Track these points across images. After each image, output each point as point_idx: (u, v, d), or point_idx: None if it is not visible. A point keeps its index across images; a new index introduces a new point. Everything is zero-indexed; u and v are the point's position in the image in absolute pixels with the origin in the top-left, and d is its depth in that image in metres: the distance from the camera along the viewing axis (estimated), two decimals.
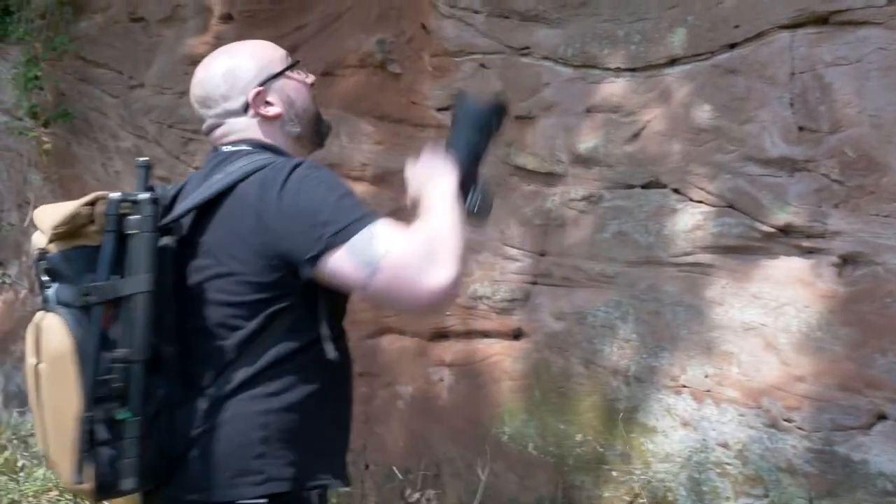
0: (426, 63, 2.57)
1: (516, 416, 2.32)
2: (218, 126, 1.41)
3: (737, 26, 2.01)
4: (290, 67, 1.41)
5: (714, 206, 2.02)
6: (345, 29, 2.76)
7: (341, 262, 1.13)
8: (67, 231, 1.18)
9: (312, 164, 1.24)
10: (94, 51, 3.33)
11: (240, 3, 2.94)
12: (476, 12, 2.46)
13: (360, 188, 2.65)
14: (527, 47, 2.37)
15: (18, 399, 3.50)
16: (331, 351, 1.22)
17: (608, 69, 2.22)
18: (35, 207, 3.30)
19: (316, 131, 1.44)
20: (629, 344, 2.12)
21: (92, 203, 1.18)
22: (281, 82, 1.40)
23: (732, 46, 2.03)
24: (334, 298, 1.24)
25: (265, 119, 1.38)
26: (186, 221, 1.26)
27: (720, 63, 2.04)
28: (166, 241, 1.23)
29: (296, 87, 1.41)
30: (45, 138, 3.42)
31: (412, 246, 1.12)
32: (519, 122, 2.36)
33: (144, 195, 1.18)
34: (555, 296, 2.30)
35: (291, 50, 2.77)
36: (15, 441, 3.39)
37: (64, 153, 3.38)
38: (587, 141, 2.23)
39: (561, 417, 2.23)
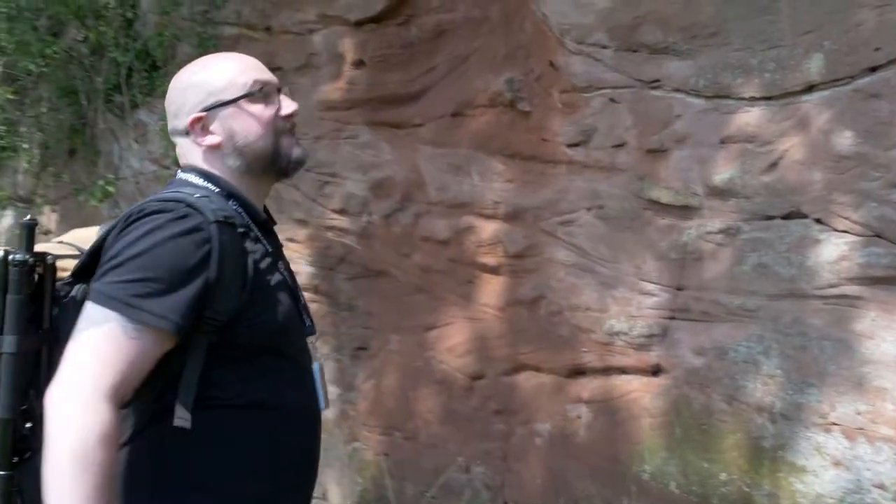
0: (555, 100, 2.80)
1: (656, 454, 2.47)
2: (176, 144, 1.50)
3: (878, 49, 2.11)
4: (247, 95, 1.42)
5: (860, 236, 2.12)
6: (473, 69, 3.03)
7: (82, 318, 1.24)
8: None
9: (152, 221, 1.28)
10: None
11: (370, 49, 3.29)
12: (604, 47, 2.67)
13: (492, 226, 2.90)
14: (657, 80, 2.55)
15: None
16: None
17: (742, 98, 2.37)
18: None
19: (269, 166, 1.45)
20: (773, 380, 2.23)
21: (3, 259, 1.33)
22: (229, 111, 1.42)
23: (874, 70, 2.13)
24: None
25: (201, 147, 1.44)
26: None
27: (861, 87, 2.14)
28: (76, 292, 1.34)
29: (246, 119, 1.42)
30: None
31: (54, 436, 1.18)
32: (651, 155, 2.54)
33: (20, 256, 1.31)
34: (694, 331, 2.44)
35: (420, 93, 3.11)
36: None
37: None
38: (723, 172, 2.37)
39: (704, 455, 2.36)
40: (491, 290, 2.93)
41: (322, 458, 3.27)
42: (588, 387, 2.68)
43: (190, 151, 1.44)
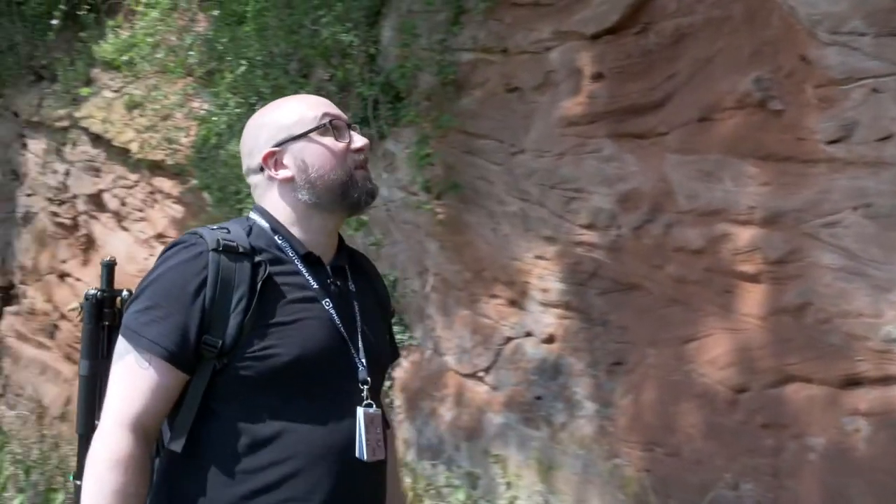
0: (809, 95, 2.91)
1: None
2: (250, 184, 1.67)
3: None
4: (317, 128, 1.57)
5: None
6: (717, 71, 3.22)
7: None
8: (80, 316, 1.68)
9: (167, 253, 1.52)
10: (475, 124, 4.23)
11: (609, 60, 3.57)
12: (862, 35, 2.75)
13: (748, 233, 3.05)
14: None
15: (431, 451, 4.47)
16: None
17: None
18: (434, 275, 4.27)
19: (340, 199, 1.58)
20: None
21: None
22: (301, 144, 1.57)
23: None
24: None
25: (276, 181, 1.59)
26: None
27: None
28: None
29: (318, 150, 1.57)
30: (438, 210, 4.40)
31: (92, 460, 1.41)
32: None
33: (90, 291, 1.63)
34: None
35: (663, 100, 3.34)
36: (431, 492, 4.34)
37: (456, 222, 4.32)
38: None
39: None
40: (751, 299, 3.08)
41: (582, 475, 3.59)
42: (866, 398, 2.75)
43: (262, 188, 1.62)
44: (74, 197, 8.11)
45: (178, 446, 1.46)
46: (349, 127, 1.61)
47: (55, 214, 8.39)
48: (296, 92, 4.96)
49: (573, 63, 3.71)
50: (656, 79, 3.40)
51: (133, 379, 1.44)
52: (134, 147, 6.99)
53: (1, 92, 9.34)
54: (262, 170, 1.60)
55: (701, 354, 3.22)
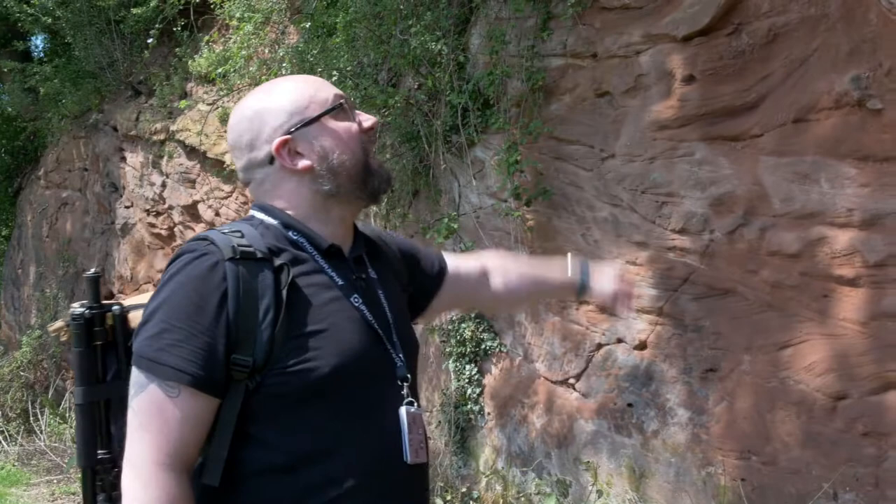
0: None
1: None
2: (249, 182, 1.53)
3: None
4: (332, 110, 1.46)
5: None
6: (813, 71, 3.23)
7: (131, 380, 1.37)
8: (67, 337, 1.56)
9: (175, 265, 1.38)
10: (565, 129, 4.32)
11: (700, 62, 3.62)
12: None
13: (847, 236, 3.06)
14: None
15: (521, 458, 4.56)
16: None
17: None
18: None
19: (362, 187, 1.48)
20: None
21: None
22: (316, 129, 1.46)
23: None
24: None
25: (293, 172, 1.47)
26: None
27: None
28: None
29: (336, 134, 1.46)
30: (527, 216, 4.50)
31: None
32: None
33: (76, 311, 1.47)
34: None
35: (757, 102, 3.37)
36: (522, 499, 4.43)
37: (545, 228, 4.42)
38: None
39: None
40: (850, 304, 3.08)
41: (674, 483, 3.64)
42: None
43: (272, 183, 1.49)
44: (170, 208, 8.52)
45: (214, 479, 1.36)
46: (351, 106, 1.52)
47: (152, 225, 8.83)
48: (385, 102, 5.15)
49: (664, 66, 3.76)
50: (750, 80, 3.43)
51: (161, 412, 1.32)
52: (228, 159, 7.31)
53: (101, 107, 9.89)
54: (271, 162, 1.48)
55: (797, 361, 3.23)
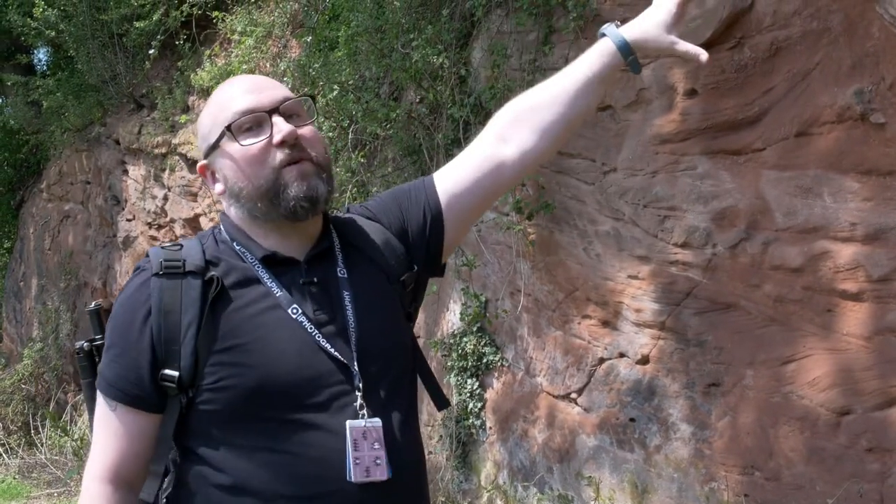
0: None
1: None
2: None
3: None
4: (220, 139, 1.41)
5: None
6: (815, 85, 3.22)
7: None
8: None
9: (125, 284, 1.42)
10: (567, 143, 4.32)
11: (702, 76, 3.61)
12: None
13: (850, 250, 3.04)
14: None
15: (522, 473, 4.53)
16: None
17: None
18: (526, 295, 4.35)
19: (272, 209, 1.40)
20: None
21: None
22: (218, 155, 1.44)
23: None
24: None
25: (220, 195, 1.48)
26: None
27: None
28: None
29: (232, 160, 1.41)
30: (529, 230, 4.49)
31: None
32: None
33: (78, 344, 1.51)
34: None
35: (759, 116, 3.36)
36: None
37: (548, 242, 4.41)
38: None
39: None
40: (854, 319, 3.06)
41: (677, 498, 3.61)
42: None
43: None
44: (172, 221, 8.52)
45: (148, 494, 1.36)
46: (275, 113, 1.40)
47: (154, 238, 8.82)
48: (387, 115, 5.16)
49: (665, 80, 3.75)
50: (752, 94, 3.42)
51: (105, 426, 1.38)
52: None
53: (103, 120, 9.91)
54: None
55: (801, 376, 3.21)
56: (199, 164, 1.49)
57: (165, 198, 8.63)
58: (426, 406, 5.33)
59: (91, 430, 1.51)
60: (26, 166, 13.14)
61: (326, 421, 1.34)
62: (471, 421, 4.95)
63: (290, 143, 1.38)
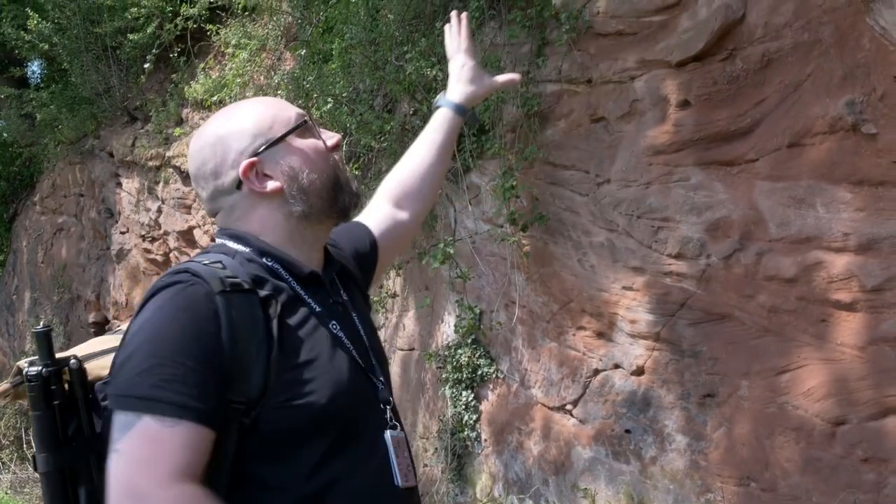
0: None
1: None
2: (217, 211, 1.46)
3: None
4: (297, 128, 1.43)
5: None
6: (807, 96, 3.24)
7: (111, 427, 1.23)
8: (12, 399, 1.43)
9: (160, 298, 1.29)
10: (560, 155, 4.32)
11: (695, 88, 3.63)
12: None
13: (843, 260, 3.05)
14: None
15: (518, 485, 4.52)
16: None
17: None
18: (520, 307, 4.36)
19: (332, 205, 1.44)
20: None
21: (20, 372, 1.37)
22: (282, 149, 1.42)
23: None
24: None
25: (262, 196, 1.41)
26: None
27: None
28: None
29: (303, 153, 1.42)
30: (524, 241, 4.49)
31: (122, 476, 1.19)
32: None
33: (32, 370, 1.32)
34: None
35: (752, 127, 3.38)
36: None
37: (542, 253, 4.41)
38: None
39: None
40: (848, 329, 3.07)
41: None
42: None
43: (243, 209, 1.43)
44: (166, 234, 8.51)
45: None
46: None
47: (147, 251, 8.82)
48: (381, 127, 5.16)
49: (658, 91, 3.77)
50: (744, 105, 3.44)
51: (158, 442, 1.21)
52: None
53: (97, 133, 9.91)
54: (238, 187, 1.43)
55: (796, 386, 3.21)
56: (245, 163, 1.40)
57: (159, 210, 8.63)
58: (421, 419, 5.32)
59: (76, 477, 1.35)
60: (20, 179, 13.13)
61: (374, 431, 1.41)
62: (466, 433, 4.94)
63: (340, 146, 1.50)
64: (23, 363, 1.36)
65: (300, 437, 1.32)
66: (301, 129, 1.45)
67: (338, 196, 1.45)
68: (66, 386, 1.36)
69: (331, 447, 1.34)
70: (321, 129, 1.48)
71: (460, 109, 2.03)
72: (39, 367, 1.33)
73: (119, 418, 1.23)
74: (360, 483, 1.36)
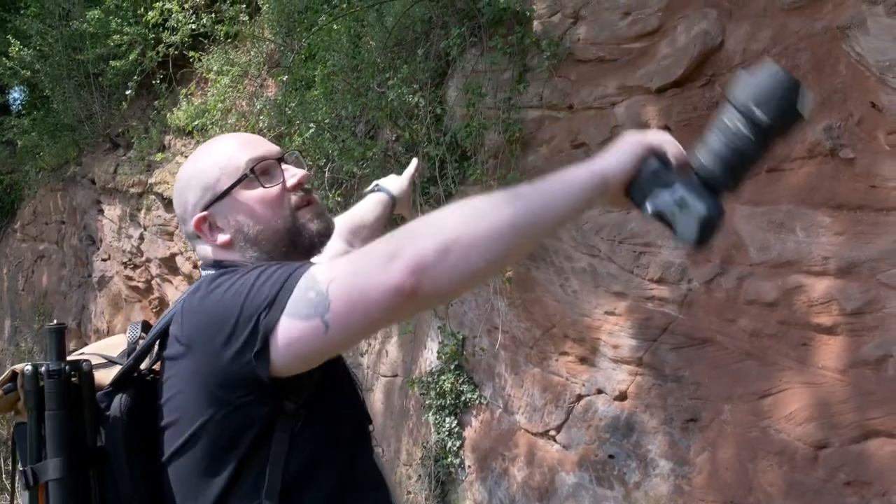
0: (882, 142, 2.93)
1: None
2: (195, 249, 1.50)
3: None
4: (241, 180, 1.40)
5: None
6: None
7: (290, 331, 1.17)
8: (3, 408, 1.32)
9: (231, 273, 1.30)
10: None
11: (674, 113, 3.66)
12: None
13: (824, 284, 3.06)
14: None
15: None
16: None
17: None
18: (503, 332, 4.35)
19: (290, 248, 1.41)
20: None
21: (13, 378, 1.30)
22: (227, 203, 1.41)
23: None
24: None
25: (219, 245, 1.43)
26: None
27: None
28: (118, 404, 1.32)
29: (247, 207, 1.41)
30: (506, 267, 4.50)
31: (363, 254, 1.16)
32: None
33: (53, 366, 1.27)
34: None
35: None
36: None
37: (524, 278, 4.41)
38: None
39: None
40: (829, 352, 3.08)
41: None
42: None
43: (208, 252, 1.45)
44: (148, 261, 8.46)
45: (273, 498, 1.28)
46: (281, 161, 1.46)
47: (129, 278, 8.75)
48: (363, 154, 5.17)
49: (639, 117, 3.79)
50: None
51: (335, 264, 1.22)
52: None
53: (79, 160, 9.87)
54: (198, 237, 1.46)
55: (778, 410, 3.21)
56: (196, 217, 1.42)
57: (141, 237, 8.58)
58: (404, 445, 5.28)
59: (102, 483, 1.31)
60: (0, 206, 13.03)
61: (369, 448, 1.48)
62: (449, 460, 4.90)
63: (304, 183, 1.44)
64: (19, 367, 1.31)
65: (336, 441, 1.40)
66: (248, 179, 1.41)
67: (295, 239, 1.42)
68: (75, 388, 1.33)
69: (347, 454, 1.42)
70: (286, 167, 1.45)
71: (392, 198, 2.33)
72: (61, 364, 1.29)
73: (294, 297, 1.19)
74: (370, 496, 1.44)
